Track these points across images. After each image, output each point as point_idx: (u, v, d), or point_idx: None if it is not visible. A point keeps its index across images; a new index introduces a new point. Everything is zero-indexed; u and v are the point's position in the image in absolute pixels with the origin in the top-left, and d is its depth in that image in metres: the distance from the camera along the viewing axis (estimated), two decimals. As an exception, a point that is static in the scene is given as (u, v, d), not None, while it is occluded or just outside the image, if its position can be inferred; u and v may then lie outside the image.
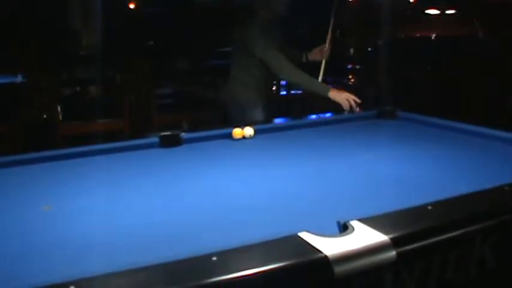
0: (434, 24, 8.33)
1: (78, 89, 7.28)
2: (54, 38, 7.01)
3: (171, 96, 7.43)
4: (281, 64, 4.15)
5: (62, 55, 7.21)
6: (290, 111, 6.91)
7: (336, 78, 8.87)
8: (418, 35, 8.21)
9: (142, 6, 8.29)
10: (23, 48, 6.79)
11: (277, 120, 4.78)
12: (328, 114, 4.14)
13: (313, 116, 3.92)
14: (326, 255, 1.41)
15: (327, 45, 4.58)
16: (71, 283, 1.29)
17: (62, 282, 1.30)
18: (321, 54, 4.60)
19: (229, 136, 3.19)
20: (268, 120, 4.35)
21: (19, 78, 7.20)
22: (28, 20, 6.79)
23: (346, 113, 3.93)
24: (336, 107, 4.13)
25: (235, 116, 4.45)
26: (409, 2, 8.97)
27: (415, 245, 1.55)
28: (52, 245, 1.79)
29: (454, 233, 1.64)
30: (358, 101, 3.97)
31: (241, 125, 3.25)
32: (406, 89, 6.95)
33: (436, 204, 1.75)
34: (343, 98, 3.96)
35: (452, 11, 8.45)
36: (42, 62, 7.02)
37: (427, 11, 8.55)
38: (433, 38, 7.73)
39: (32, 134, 6.17)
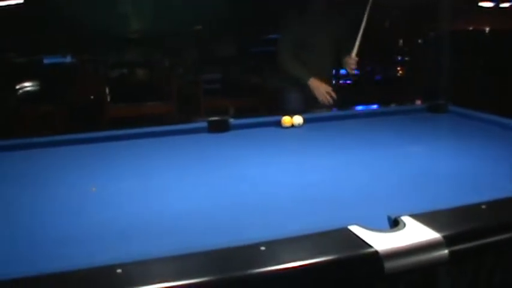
0: (488, 17, 8.15)
1: (125, 71, 7.34)
2: (103, 20, 7.09)
3: (219, 81, 7.42)
4: (280, 55, 4.30)
5: (111, 37, 7.27)
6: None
7: (383, 70, 8.77)
8: (471, 28, 8.05)
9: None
10: (72, 29, 6.88)
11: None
12: (375, 106, 4.08)
13: (360, 107, 3.86)
14: (377, 251, 1.38)
15: (353, 55, 4.14)
16: (119, 266, 1.30)
17: (109, 265, 1.30)
18: (345, 65, 4.27)
19: (278, 124, 3.17)
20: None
21: (68, 59, 7.30)
22: (77, 2, 6.88)
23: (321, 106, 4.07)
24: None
25: (290, 102, 4.41)
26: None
27: (468, 245, 1.51)
28: (100, 226, 1.81)
29: (508, 234, 1.59)
30: (334, 96, 4.07)
31: (291, 113, 3.23)
32: (458, 82, 6.81)
33: (491, 203, 1.70)
34: (321, 91, 4.09)
35: (507, 4, 8.25)
36: (91, 44, 7.11)
37: (481, 4, 8.37)
38: (486, 31, 7.57)
39: (80, 114, 6.26)
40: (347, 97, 5.03)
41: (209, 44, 7.89)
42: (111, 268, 1.29)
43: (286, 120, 3.17)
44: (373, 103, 4.34)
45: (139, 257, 1.34)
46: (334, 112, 3.74)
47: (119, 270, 1.28)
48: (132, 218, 1.87)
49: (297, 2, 4.45)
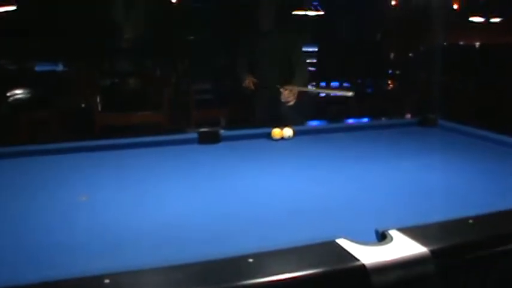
0: (478, 32, 8.21)
1: (116, 80, 7.33)
2: (95, 29, 7.09)
3: (210, 91, 7.42)
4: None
5: (103, 46, 7.27)
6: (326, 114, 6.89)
7: (374, 83, 8.79)
8: (461, 43, 8.11)
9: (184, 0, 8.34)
10: (63, 37, 6.88)
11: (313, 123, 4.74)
12: (365, 119, 4.11)
13: (351, 120, 3.88)
14: (364, 264, 1.39)
15: (287, 92, 4.42)
16: (106, 276, 1.30)
17: (97, 275, 1.30)
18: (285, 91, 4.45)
19: (268, 136, 3.18)
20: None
21: (59, 67, 7.29)
22: (69, 10, 6.88)
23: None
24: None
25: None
26: (453, 9, 8.86)
27: (455, 259, 1.52)
28: (90, 236, 1.80)
29: (495, 249, 1.60)
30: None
31: (281, 125, 3.23)
32: (448, 97, 6.85)
33: (478, 218, 1.71)
34: (246, 82, 4.79)
35: (497, 20, 8.32)
36: (83, 52, 7.10)
37: (471, 19, 8.44)
38: (477, 46, 7.62)
39: (70, 122, 6.24)
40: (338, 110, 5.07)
41: (201, 54, 7.90)
42: (99, 278, 1.29)
43: (276, 132, 3.18)
44: (364, 116, 4.37)
45: (129, 267, 1.34)
46: (325, 125, 3.75)
47: (106, 281, 1.28)
48: (123, 228, 1.87)
49: (249, 24, 5.02)
